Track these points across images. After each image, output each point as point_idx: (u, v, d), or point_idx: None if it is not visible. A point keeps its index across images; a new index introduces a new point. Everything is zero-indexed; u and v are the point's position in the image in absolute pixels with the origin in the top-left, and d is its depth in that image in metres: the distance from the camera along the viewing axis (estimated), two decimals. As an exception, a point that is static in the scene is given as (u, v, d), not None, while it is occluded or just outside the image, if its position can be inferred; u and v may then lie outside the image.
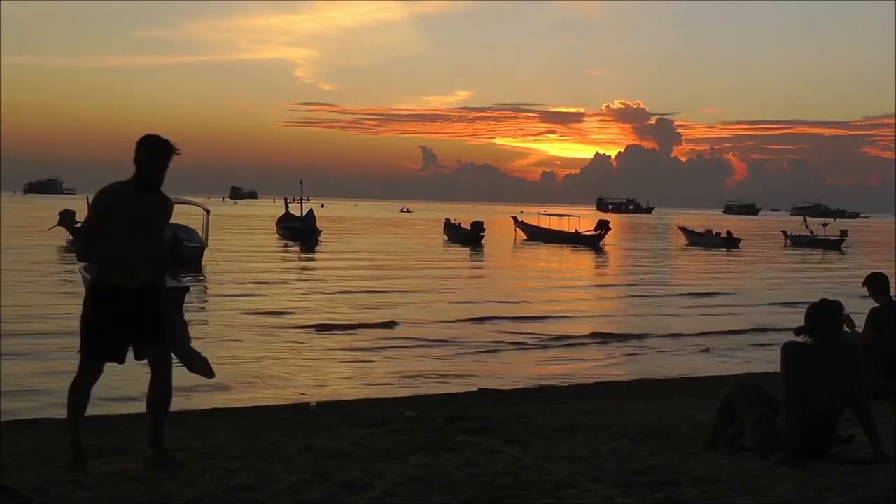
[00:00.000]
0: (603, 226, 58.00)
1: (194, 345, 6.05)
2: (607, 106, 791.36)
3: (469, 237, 54.09)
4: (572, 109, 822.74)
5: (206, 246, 33.76)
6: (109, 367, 5.72)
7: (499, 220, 79.81)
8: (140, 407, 6.09)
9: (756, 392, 6.30)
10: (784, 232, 65.29)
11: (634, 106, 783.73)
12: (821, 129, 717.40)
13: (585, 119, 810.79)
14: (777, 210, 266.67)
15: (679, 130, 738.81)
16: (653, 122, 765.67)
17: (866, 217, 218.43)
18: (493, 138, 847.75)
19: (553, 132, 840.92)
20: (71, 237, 45.12)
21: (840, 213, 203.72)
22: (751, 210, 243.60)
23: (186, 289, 20.49)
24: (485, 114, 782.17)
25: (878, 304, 9.12)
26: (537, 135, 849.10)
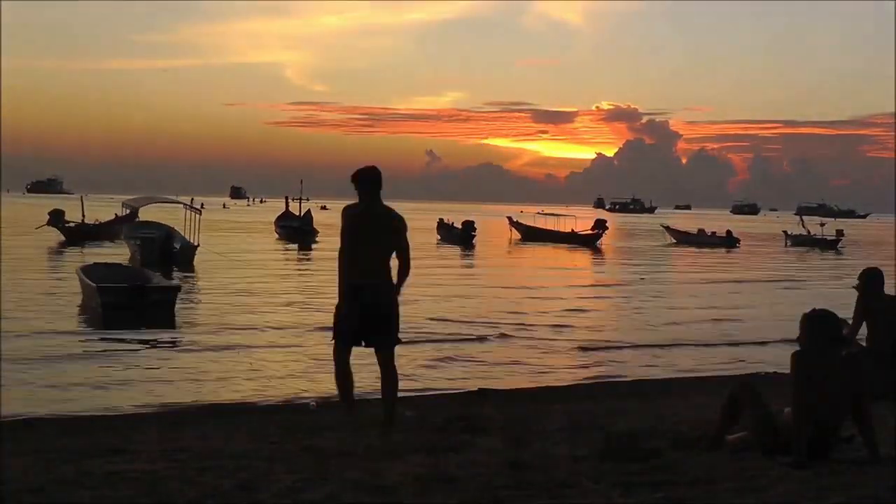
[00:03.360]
0: (600, 225, 57.84)
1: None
2: (597, 107, 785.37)
3: (461, 237, 54.26)
4: (563, 109, 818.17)
5: (198, 245, 34.04)
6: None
7: (497, 221, 79.73)
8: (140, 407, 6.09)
9: (757, 392, 6.39)
10: (785, 232, 65.36)
11: (625, 107, 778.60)
12: (821, 128, 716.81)
13: (577, 119, 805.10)
14: (776, 210, 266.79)
15: (675, 130, 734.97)
16: (644, 121, 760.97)
17: (878, 218, 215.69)
18: (485, 138, 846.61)
19: (545, 132, 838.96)
20: (63, 237, 44.79)
21: (849, 214, 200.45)
22: (752, 210, 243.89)
23: (178, 288, 20.52)
24: (476, 114, 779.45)
25: (867, 298, 9.03)
26: (530, 135, 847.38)
